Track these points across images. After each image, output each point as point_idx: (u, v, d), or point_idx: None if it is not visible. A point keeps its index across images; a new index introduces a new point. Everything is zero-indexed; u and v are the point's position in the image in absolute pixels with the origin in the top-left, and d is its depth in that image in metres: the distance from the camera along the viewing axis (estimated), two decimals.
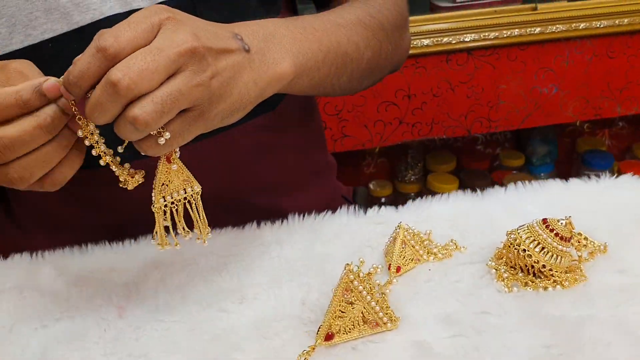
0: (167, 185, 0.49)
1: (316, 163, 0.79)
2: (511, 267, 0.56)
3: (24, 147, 0.46)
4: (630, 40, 1.35)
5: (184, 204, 0.51)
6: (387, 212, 0.67)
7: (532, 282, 0.55)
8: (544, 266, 0.54)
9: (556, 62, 1.34)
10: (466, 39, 1.28)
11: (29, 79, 0.48)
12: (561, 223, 0.55)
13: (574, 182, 0.69)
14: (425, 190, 1.52)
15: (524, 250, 0.54)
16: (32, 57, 0.54)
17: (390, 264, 0.57)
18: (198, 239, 0.52)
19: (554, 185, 0.69)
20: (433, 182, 1.49)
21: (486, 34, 1.28)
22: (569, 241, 0.55)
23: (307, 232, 0.64)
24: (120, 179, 0.51)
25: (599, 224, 0.62)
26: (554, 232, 0.54)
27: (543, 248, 0.54)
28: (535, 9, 1.29)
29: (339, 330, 0.50)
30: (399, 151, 1.53)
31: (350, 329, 0.50)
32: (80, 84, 0.45)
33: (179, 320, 0.54)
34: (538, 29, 1.29)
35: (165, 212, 0.50)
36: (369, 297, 0.50)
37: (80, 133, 0.48)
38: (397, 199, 1.55)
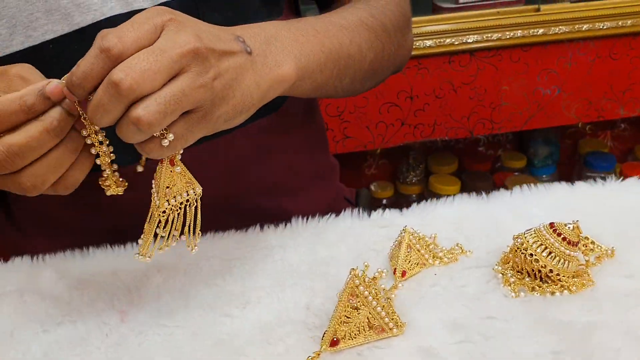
0: (170, 188, 0.49)
1: (319, 165, 0.78)
2: (518, 271, 0.56)
3: (33, 153, 0.46)
4: (633, 41, 1.34)
5: (185, 207, 0.50)
6: (391, 215, 0.66)
7: (539, 286, 0.54)
8: (551, 271, 0.53)
9: (559, 63, 1.33)
10: (469, 40, 1.27)
11: (30, 84, 0.47)
12: (568, 227, 0.54)
13: (579, 185, 0.69)
14: (427, 192, 1.52)
15: (531, 254, 0.54)
16: (32, 58, 0.53)
17: (395, 268, 0.57)
18: (188, 245, 0.51)
19: (560, 189, 0.69)
20: (435, 184, 1.48)
21: (489, 35, 1.28)
22: (576, 245, 0.54)
23: (310, 235, 0.63)
24: (106, 182, 0.51)
25: (605, 228, 0.61)
26: (562, 236, 0.54)
27: (550, 252, 0.53)
28: (538, 10, 1.29)
29: (344, 335, 0.49)
30: (401, 152, 1.53)
31: (355, 334, 0.49)
32: (83, 85, 0.44)
33: (182, 325, 0.53)
34: (541, 30, 1.29)
35: (167, 217, 0.49)
36: (374, 302, 0.50)
37: (84, 132, 0.48)
38: (399, 201, 1.55)
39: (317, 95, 0.62)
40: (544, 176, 1.57)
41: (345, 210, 0.67)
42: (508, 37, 1.28)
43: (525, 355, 0.48)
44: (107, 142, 0.49)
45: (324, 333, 0.50)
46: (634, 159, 1.64)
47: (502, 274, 0.56)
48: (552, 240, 0.54)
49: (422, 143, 1.52)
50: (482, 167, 1.58)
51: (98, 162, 0.49)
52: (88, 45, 0.46)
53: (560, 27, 1.29)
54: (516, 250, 0.55)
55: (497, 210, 0.65)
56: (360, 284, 0.49)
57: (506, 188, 0.69)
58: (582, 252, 0.57)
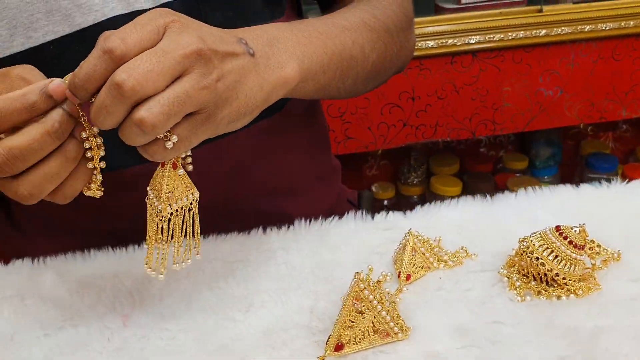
0: (172, 193, 0.48)
1: (321, 166, 0.78)
2: (523, 275, 0.55)
3: (34, 155, 0.45)
4: (636, 42, 1.34)
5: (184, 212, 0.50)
6: (394, 217, 0.66)
7: (545, 290, 0.54)
8: (557, 274, 0.53)
9: (561, 64, 1.33)
10: (471, 41, 1.27)
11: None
12: (575, 230, 0.54)
13: (584, 187, 0.68)
14: (428, 193, 1.51)
15: (537, 258, 0.53)
16: (33, 59, 0.53)
17: (400, 272, 0.56)
18: (194, 251, 0.51)
19: (564, 191, 0.68)
20: (436, 185, 1.48)
21: (491, 36, 1.27)
22: (582, 249, 0.53)
23: (313, 238, 0.63)
24: (91, 186, 0.50)
25: (611, 231, 0.61)
26: (568, 239, 0.53)
27: (557, 256, 0.53)
28: (540, 11, 1.28)
29: (349, 340, 0.49)
30: (402, 153, 1.52)
31: (360, 339, 0.49)
32: (86, 86, 0.44)
33: (185, 329, 0.53)
34: (543, 31, 1.28)
35: (169, 222, 0.48)
36: (379, 306, 0.49)
37: (83, 134, 0.47)
38: (400, 202, 1.54)
39: (319, 96, 0.62)
40: (545, 177, 1.57)
41: (348, 213, 0.66)
42: (510, 38, 1.28)
43: None
44: (103, 147, 0.48)
45: (329, 337, 0.49)
46: (635, 160, 1.63)
47: (508, 277, 0.55)
48: (558, 243, 0.53)
49: (424, 144, 1.51)
50: (483, 168, 1.57)
51: (91, 165, 0.48)
52: (89, 46, 0.45)
53: (562, 28, 1.29)
54: (522, 254, 0.55)
55: (502, 213, 0.65)
56: (365, 288, 0.49)
57: (508, 189, 0.69)
58: (588, 256, 0.56)
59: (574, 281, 0.53)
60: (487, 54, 1.29)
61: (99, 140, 0.48)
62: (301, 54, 0.53)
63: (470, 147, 1.58)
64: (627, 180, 0.69)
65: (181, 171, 0.49)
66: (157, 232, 0.49)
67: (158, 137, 0.45)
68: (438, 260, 0.58)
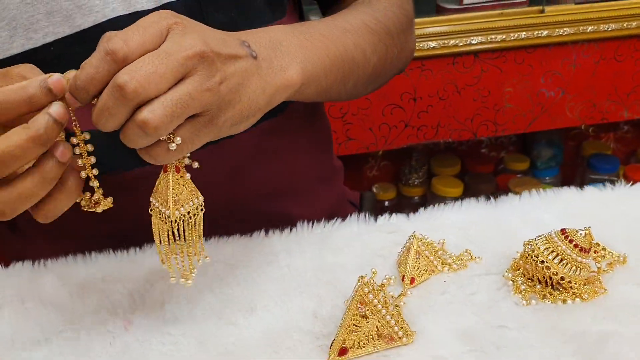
0: (178, 197, 0.48)
1: (323, 167, 0.78)
2: (528, 278, 0.55)
3: (16, 162, 0.43)
4: (638, 43, 1.33)
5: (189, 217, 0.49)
6: (398, 220, 0.65)
7: (551, 294, 0.53)
8: (562, 278, 0.52)
9: (563, 65, 1.33)
10: (473, 42, 1.26)
11: None
12: (580, 233, 0.53)
13: (588, 189, 0.68)
14: (430, 194, 1.51)
15: (543, 261, 0.53)
16: (33, 60, 0.52)
17: (404, 275, 0.56)
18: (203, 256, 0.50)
19: (568, 193, 0.68)
20: (437, 186, 1.47)
21: (493, 36, 1.27)
22: (588, 252, 0.53)
23: (316, 240, 0.63)
24: (94, 197, 0.49)
25: (616, 234, 0.60)
26: (573, 243, 0.53)
27: (562, 259, 0.53)
28: (542, 11, 1.28)
29: (353, 345, 0.48)
30: (403, 154, 1.52)
31: (364, 343, 0.49)
32: (88, 88, 0.43)
33: (187, 333, 0.52)
34: (545, 32, 1.28)
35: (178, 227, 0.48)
36: (383, 310, 0.49)
37: (74, 140, 0.47)
38: (401, 203, 1.54)
39: (321, 99, 0.62)
40: (546, 178, 1.56)
41: (351, 215, 0.66)
42: (512, 38, 1.27)
43: None
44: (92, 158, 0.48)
45: (332, 342, 0.49)
46: (637, 161, 1.63)
47: (513, 281, 0.55)
48: (563, 247, 0.53)
49: (425, 145, 1.51)
50: (485, 169, 1.57)
51: (83, 175, 0.47)
52: (90, 48, 0.45)
53: (564, 28, 1.28)
54: (527, 257, 0.54)
55: (506, 216, 0.65)
56: (370, 291, 0.48)
57: (509, 190, 0.68)
58: (594, 259, 0.56)
59: (580, 285, 0.53)
60: (488, 55, 1.29)
61: (90, 147, 0.47)
62: (304, 58, 0.53)
63: (472, 148, 1.58)
64: (631, 182, 0.69)
65: (188, 175, 0.48)
66: (167, 240, 0.48)
67: (161, 139, 0.45)
68: (442, 264, 0.57)
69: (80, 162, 0.47)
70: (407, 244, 0.58)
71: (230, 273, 0.58)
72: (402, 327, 0.49)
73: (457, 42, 1.26)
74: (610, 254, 0.57)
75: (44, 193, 0.45)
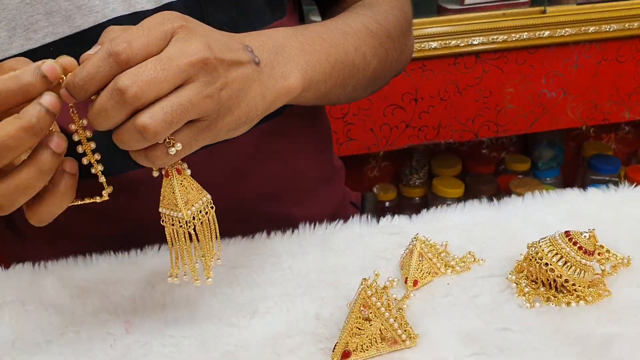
0: (187, 198, 0.48)
1: (324, 167, 0.77)
2: (532, 281, 0.54)
3: (10, 152, 0.43)
4: None
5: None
6: (400, 221, 0.65)
7: (555, 297, 0.53)
8: (566, 281, 0.52)
9: (565, 65, 1.32)
10: (474, 42, 1.26)
11: None
12: (584, 236, 0.53)
13: (591, 191, 0.68)
14: (430, 195, 1.51)
15: (547, 264, 0.52)
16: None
17: (407, 278, 0.55)
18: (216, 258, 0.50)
19: (572, 195, 0.67)
20: (438, 186, 1.47)
21: (494, 37, 1.26)
22: (592, 254, 0.53)
23: (318, 242, 0.62)
24: (102, 193, 0.49)
25: (619, 236, 0.60)
26: (577, 245, 0.52)
27: (566, 262, 0.52)
28: (544, 12, 1.27)
29: (356, 348, 0.48)
30: (404, 155, 1.52)
31: (367, 346, 0.48)
32: (86, 87, 0.43)
33: (188, 335, 0.52)
34: (547, 33, 1.28)
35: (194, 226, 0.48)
36: (387, 313, 0.48)
37: (75, 137, 0.46)
38: (402, 203, 1.53)
39: (320, 103, 0.62)
40: (547, 179, 1.56)
41: (353, 217, 0.65)
42: (514, 39, 1.27)
43: None
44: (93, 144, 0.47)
45: (335, 345, 0.48)
46: (638, 162, 1.62)
47: (516, 283, 0.55)
48: (567, 249, 0.52)
49: (426, 145, 1.50)
50: (485, 169, 1.56)
51: (85, 161, 0.47)
52: (90, 48, 0.45)
53: (566, 29, 1.28)
54: (530, 259, 0.54)
55: (509, 217, 0.64)
56: (373, 294, 0.48)
57: (510, 191, 0.68)
58: (598, 261, 0.55)
59: (584, 287, 0.52)
60: (490, 55, 1.29)
61: (93, 145, 0.47)
62: (305, 64, 0.54)
63: (473, 149, 1.58)
64: (635, 184, 0.68)
65: (188, 171, 0.48)
66: (185, 243, 0.48)
67: (158, 142, 0.45)
68: (445, 266, 0.57)
69: (80, 148, 0.47)
70: (410, 246, 0.58)
71: (232, 275, 0.58)
72: (405, 330, 0.49)
73: (459, 42, 1.25)
74: (615, 256, 0.57)
75: (41, 185, 0.45)
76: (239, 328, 0.52)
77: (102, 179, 0.48)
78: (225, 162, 0.65)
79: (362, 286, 0.48)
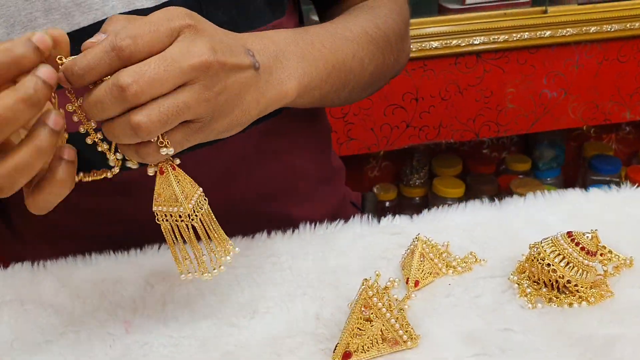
0: (185, 192, 0.47)
1: (323, 167, 0.77)
2: (534, 281, 0.54)
3: (8, 126, 0.42)
4: None
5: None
6: (401, 221, 0.65)
7: (557, 297, 0.52)
8: (569, 281, 0.52)
9: (566, 65, 1.32)
10: (475, 42, 1.26)
11: None
12: (587, 236, 0.52)
13: (593, 191, 0.67)
14: (431, 195, 1.50)
15: (549, 264, 0.52)
16: None
17: (408, 278, 0.55)
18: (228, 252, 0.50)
19: (573, 195, 0.67)
20: (439, 186, 1.47)
21: (495, 36, 1.26)
22: (594, 255, 0.52)
23: (319, 242, 0.62)
24: (113, 170, 0.48)
25: (622, 236, 0.59)
26: (580, 245, 0.52)
27: (568, 263, 0.52)
28: (545, 12, 1.27)
29: (357, 348, 0.48)
30: (404, 154, 1.51)
31: (368, 347, 0.48)
32: (85, 76, 0.43)
33: (188, 335, 0.51)
34: (548, 33, 1.27)
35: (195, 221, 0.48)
36: (388, 314, 0.48)
37: (81, 129, 0.46)
38: (402, 203, 1.53)
39: (314, 106, 0.62)
40: (548, 179, 1.56)
41: (354, 217, 0.65)
42: (515, 39, 1.27)
43: None
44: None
45: (336, 346, 0.48)
46: (638, 162, 1.62)
47: (518, 284, 0.54)
48: (570, 250, 0.52)
49: (426, 145, 1.50)
50: (486, 169, 1.56)
51: (89, 140, 0.47)
52: None
53: (567, 29, 1.28)
54: (532, 260, 0.54)
55: (511, 217, 0.64)
56: (374, 294, 0.48)
57: (511, 191, 0.67)
58: (600, 262, 0.55)
59: (586, 288, 0.52)
60: (491, 55, 1.28)
61: (100, 135, 0.47)
62: (302, 72, 0.54)
63: (473, 149, 1.57)
64: (637, 184, 0.68)
65: (177, 161, 0.48)
66: (190, 238, 0.48)
67: (151, 140, 0.45)
68: (447, 266, 0.57)
69: (82, 129, 0.46)
70: (412, 246, 0.57)
71: (232, 275, 0.58)
72: (406, 331, 0.48)
73: (460, 42, 1.25)
74: (617, 257, 0.57)
75: (39, 164, 0.44)
76: (239, 328, 0.52)
77: (112, 157, 0.48)
78: (225, 162, 0.65)
79: (363, 286, 0.48)
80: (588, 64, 1.32)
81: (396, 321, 0.48)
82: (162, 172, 0.48)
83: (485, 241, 0.60)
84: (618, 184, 0.68)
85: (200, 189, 0.49)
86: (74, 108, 0.46)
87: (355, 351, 0.48)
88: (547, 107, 1.35)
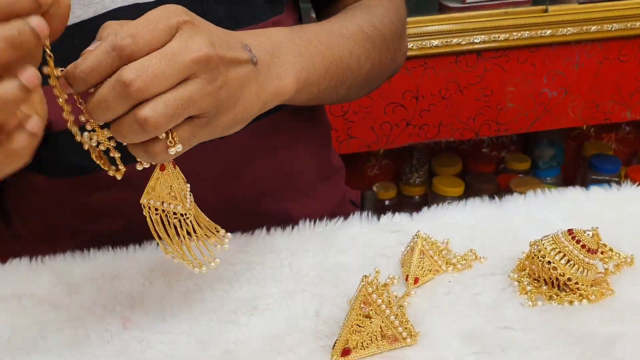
0: (183, 191, 0.48)
1: (322, 165, 0.77)
2: (534, 279, 0.54)
3: None
4: None
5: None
6: (401, 219, 0.65)
7: (557, 295, 0.52)
8: (569, 279, 0.52)
9: (566, 65, 1.32)
10: (475, 41, 1.25)
11: None
12: (588, 234, 0.52)
13: (594, 190, 0.67)
14: (431, 193, 1.50)
15: (549, 262, 0.52)
16: None
17: (407, 275, 0.55)
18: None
19: (574, 193, 0.67)
20: (438, 185, 1.46)
21: (496, 35, 1.26)
22: (595, 253, 0.52)
23: (319, 239, 0.62)
24: (120, 167, 0.48)
25: (622, 235, 0.59)
26: (580, 243, 0.52)
27: (569, 260, 0.52)
28: (546, 10, 1.27)
29: (356, 345, 0.47)
30: (404, 153, 1.51)
31: (368, 344, 0.48)
32: (87, 79, 0.43)
33: (187, 332, 0.51)
34: (548, 31, 1.27)
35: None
36: (387, 310, 0.48)
37: (88, 127, 0.46)
38: (402, 202, 1.53)
39: (312, 103, 0.63)
40: (548, 178, 1.55)
41: (353, 214, 0.65)
42: (515, 37, 1.26)
43: None
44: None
45: (335, 342, 0.48)
46: (638, 162, 1.62)
47: (518, 281, 0.54)
48: (570, 247, 0.52)
49: (426, 144, 1.50)
50: (486, 168, 1.56)
51: (102, 148, 0.46)
52: (89, 39, 0.44)
53: (568, 28, 1.28)
54: (533, 257, 0.53)
55: (511, 215, 0.64)
56: (373, 291, 0.47)
57: (510, 190, 0.67)
58: (601, 260, 0.55)
59: (587, 286, 0.52)
60: (491, 54, 1.28)
61: (107, 133, 0.46)
62: (300, 67, 0.54)
63: (473, 148, 1.57)
64: (637, 183, 0.68)
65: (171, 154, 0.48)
66: (186, 234, 0.48)
67: (160, 137, 0.45)
68: (447, 264, 0.56)
69: (82, 118, 0.45)
70: (411, 243, 0.57)
71: (231, 271, 0.57)
72: (406, 328, 0.48)
73: (460, 40, 1.25)
74: (618, 254, 0.56)
75: (21, 100, 0.39)
76: (238, 325, 0.52)
77: (116, 155, 0.47)
78: (224, 159, 0.65)
79: (362, 283, 0.48)
80: (588, 63, 1.32)
81: (395, 318, 0.48)
82: (162, 169, 0.48)
83: (486, 239, 0.60)
84: (618, 184, 0.68)
85: (188, 185, 0.49)
86: (92, 127, 0.45)
87: (354, 348, 0.47)
88: (547, 106, 1.34)
